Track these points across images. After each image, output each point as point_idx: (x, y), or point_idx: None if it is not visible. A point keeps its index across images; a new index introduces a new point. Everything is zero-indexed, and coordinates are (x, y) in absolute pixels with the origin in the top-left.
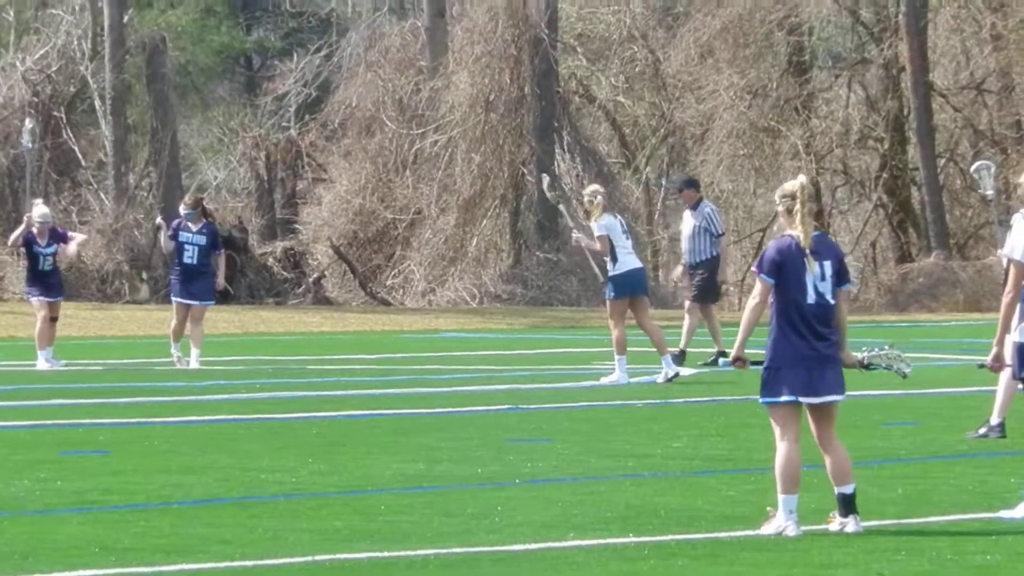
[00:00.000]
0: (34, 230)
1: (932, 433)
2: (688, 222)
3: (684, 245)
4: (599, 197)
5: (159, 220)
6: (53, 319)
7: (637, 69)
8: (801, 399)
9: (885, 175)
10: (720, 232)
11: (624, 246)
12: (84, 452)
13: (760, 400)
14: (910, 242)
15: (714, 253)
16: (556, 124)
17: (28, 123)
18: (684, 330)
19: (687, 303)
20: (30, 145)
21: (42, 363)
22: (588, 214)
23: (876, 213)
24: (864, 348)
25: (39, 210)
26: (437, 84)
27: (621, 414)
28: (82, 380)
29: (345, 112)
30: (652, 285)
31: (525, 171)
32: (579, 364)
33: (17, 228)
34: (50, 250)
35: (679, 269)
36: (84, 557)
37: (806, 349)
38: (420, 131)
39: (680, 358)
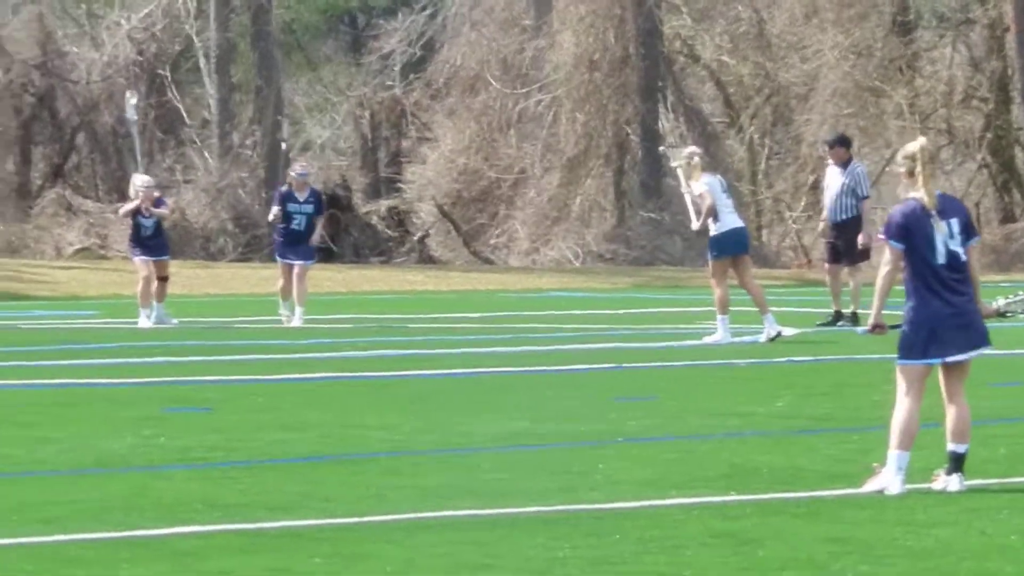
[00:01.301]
0: (144, 205)
1: None
2: (835, 179)
3: (827, 203)
4: (696, 158)
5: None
6: (163, 278)
7: (741, 29)
8: (947, 359)
9: (989, 135)
10: (866, 195)
11: (725, 206)
12: (188, 409)
13: (899, 361)
14: (1014, 202)
15: (856, 214)
16: (660, 84)
17: (130, 95)
18: (851, 292)
19: (826, 266)
20: (134, 117)
21: (143, 321)
22: (687, 176)
23: (980, 173)
24: (997, 297)
25: (142, 179)
26: (541, 43)
27: (724, 373)
28: (186, 337)
29: (449, 71)
30: (754, 244)
31: (629, 130)
32: (682, 323)
33: (129, 203)
34: (153, 219)
35: (823, 225)
36: (187, 513)
37: (945, 308)
38: (524, 90)
39: (853, 319)
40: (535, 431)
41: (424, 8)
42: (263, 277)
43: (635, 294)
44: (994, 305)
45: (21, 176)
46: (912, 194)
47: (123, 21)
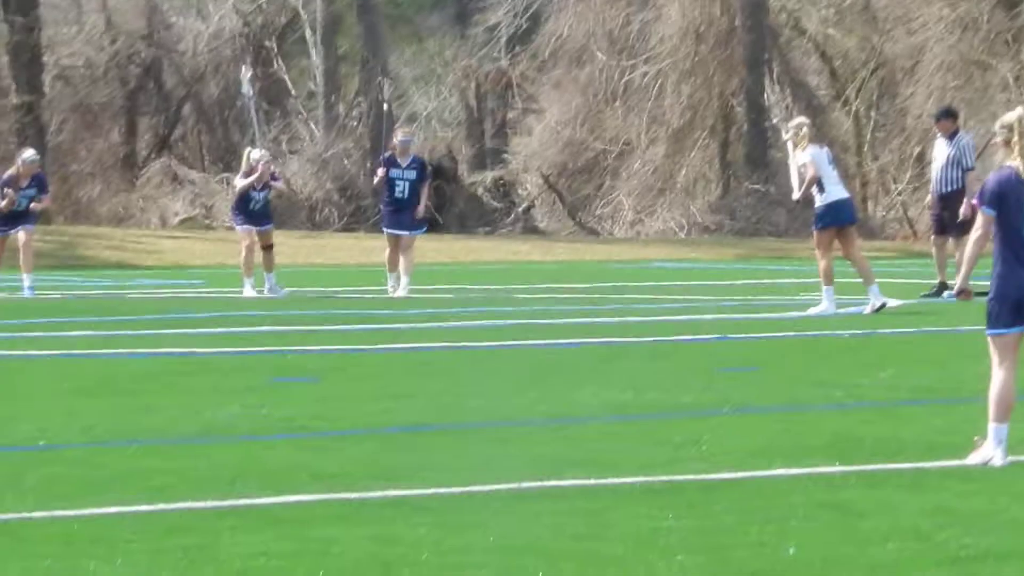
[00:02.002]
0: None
1: None
2: (942, 151)
3: (934, 175)
4: (804, 129)
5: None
6: (267, 247)
7: (847, 2)
8: None
9: None
10: (971, 166)
11: (831, 177)
12: (293, 379)
13: (987, 331)
14: None
15: (962, 185)
16: (766, 56)
17: (246, 70)
18: (957, 263)
19: (933, 237)
20: (250, 92)
21: (248, 290)
22: (795, 146)
23: None
24: None
25: (259, 154)
26: (647, 15)
27: (828, 344)
28: (292, 307)
29: (555, 43)
30: (860, 216)
31: (734, 103)
32: (787, 295)
33: (249, 176)
34: (264, 194)
35: (929, 198)
36: (292, 482)
37: None
38: (630, 62)
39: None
40: (640, 401)
41: None
42: (368, 247)
43: (740, 265)
44: None
45: (127, 147)
46: (1008, 163)
47: None
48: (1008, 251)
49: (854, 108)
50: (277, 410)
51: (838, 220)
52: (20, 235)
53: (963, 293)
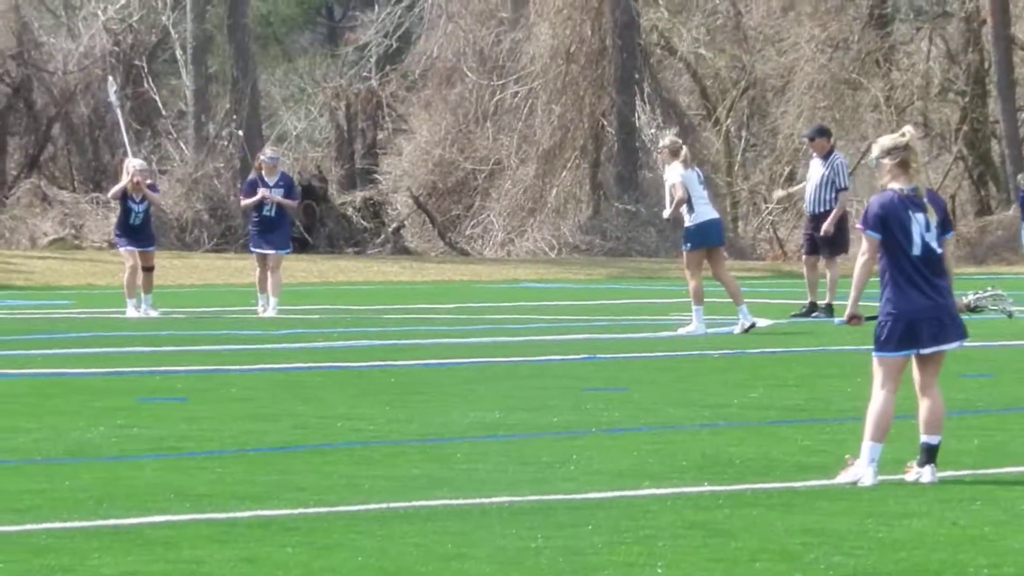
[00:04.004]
0: (132, 182)
1: (1009, 385)
2: (816, 171)
3: (807, 194)
4: (672, 146)
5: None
6: (148, 269)
7: (719, 22)
8: (921, 351)
9: (965, 128)
10: (845, 186)
11: (701, 197)
12: (161, 399)
13: (876, 353)
14: (990, 195)
15: (835, 206)
16: (637, 76)
17: (111, 81)
18: (828, 284)
19: (804, 256)
20: (116, 101)
21: (131, 311)
22: (664, 164)
23: (956, 166)
24: (969, 292)
25: (137, 163)
26: (518, 35)
27: (698, 364)
28: (160, 328)
29: (426, 63)
30: (730, 236)
31: (605, 122)
32: (657, 314)
33: (118, 183)
34: (143, 206)
35: (780, 192)
36: (160, 503)
37: (921, 300)
38: (501, 82)
39: (829, 311)
40: (508, 421)
41: (400, 0)
42: (238, 268)
43: (610, 285)
44: (965, 300)
45: None
46: (892, 185)
47: (99, 12)
48: (896, 273)
49: (725, 128)
50: (145, 430)
51: (707, 241)
52: None
53: (854, 319)
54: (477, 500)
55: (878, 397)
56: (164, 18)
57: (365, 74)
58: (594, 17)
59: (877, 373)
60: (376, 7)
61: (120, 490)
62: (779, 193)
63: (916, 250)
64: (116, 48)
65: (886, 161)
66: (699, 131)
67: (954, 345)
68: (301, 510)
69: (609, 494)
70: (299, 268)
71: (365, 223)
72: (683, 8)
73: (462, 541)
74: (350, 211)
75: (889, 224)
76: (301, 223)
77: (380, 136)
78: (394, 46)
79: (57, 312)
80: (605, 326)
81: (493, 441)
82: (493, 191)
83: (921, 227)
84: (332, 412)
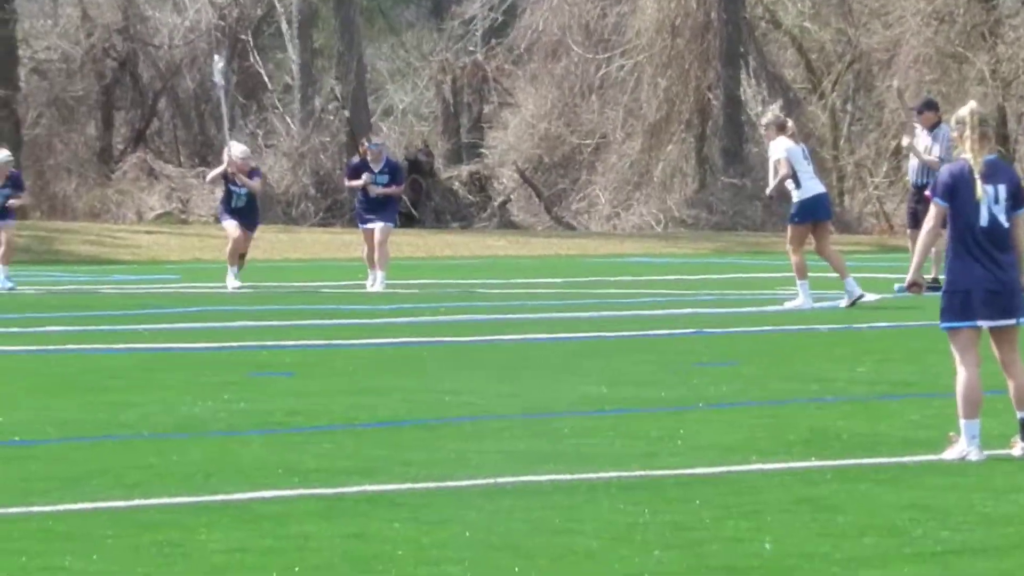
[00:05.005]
0: (230, 169)
1: None
2: (922, 144)
3: (912, 166)
4: (777, 121)
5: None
6: (241, 255)
7: None
8: (981, 323)
9: None
10: (943, 158)
11: (806, 171)
12: (269, 374)
13: (940, 325)
14: None
15: None
16: (742, 49)
17: (218, 60)
18: (933, 257)
19: (908, 231)
20: (221, 81)
21: (232, 281)
22: (768, 139)
23: None
24: None
25: (238, 148)
26: (623, 8)
27: (805, 338)
28: (268, 302)
29: (531, 37)
30: (836, 210)
31: (711, 96)
32: (764, 289)
33: (217, 168)
34: (244, 189)
35: (907, 140)
36: (268, 478)
37: (983, 272)
38: (606, 55)
39: (935, 284)
40: (616, 396)
41: None
42: (345, 242)
43: (716, 259)
44: None
45: (103, 141)
46: (964, 155)
47: None
48: (960, 244)
49: (830, 102)
50: (254, 405)
51: (814, 216)
52: (1, 234)
53: (914, 286)
54: (584, 475)
55: (960, 374)
56: None
57: (471, 48)
58: None
59: (953, 349)
60: None
61: (228, 465)
62: (906, 140)
63: (983, 221)
64: (222, 22)
65: (953, 132)
66: (804, 105)
67: (1010, 321)
68: (409, 484)
69: (717, 469)
70: (405, 242)
71: (471, 197)
72: None
73: (570, 516)
74: (456, 185)
75: (957, 193)
76: (408, 198)
77: (486, 110)
78: (499, 19)
79: (165, 287)
80: (712, 300)
81: (600, 416)
82: (599, 165)
83: (990, 199)
84: (439, 387)
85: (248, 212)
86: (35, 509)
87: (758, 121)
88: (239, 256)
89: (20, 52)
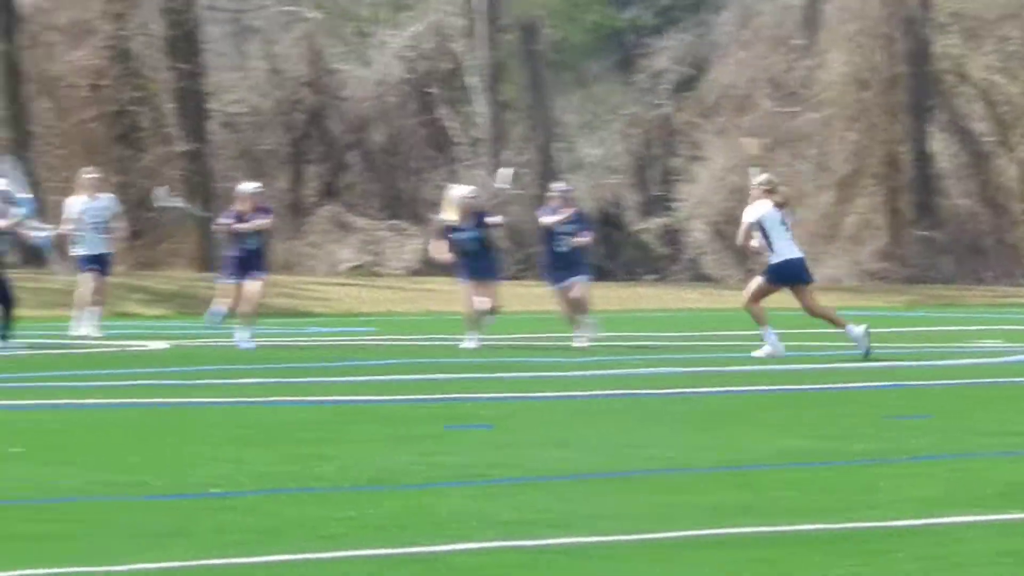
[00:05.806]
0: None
1: None
2: None
3: None
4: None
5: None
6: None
7: (1012, 48)
8: None
9: None
10: None
11: (782, 236)
12: (467, 426)
13: None
14: None
15: None
16: (929, 103)
17: (503, 170)
18: None
19: None
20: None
21: (469, 342)
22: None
23: None
24: None
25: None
26: (810, 62)
27: (1001, 391)
28: (462, 355)
29: (719, 90)
30: None
31: (900, 149)
32: (958, 342)
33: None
34: (474, 234)
35: None
36: (464, 530)
37: None
38: (794, 109)
39: None
40: (813, 448)
41: (692, 27)
42: (537, 295)
43: (909, 312)
44: None
45: (294, 193)
46: None
47: (391, 39)
48: None
49: (1019, 154)
50: (451, 458)
51: (785, 280)
52: (252, 285)
53: None
54: (784, 527)
55: None
56: (456, 45)
57: (658, 101)
58: (886, 44)
59: None
60: (667, 34)
61: (423, 518)
62: None
63: None
64: (409, 76)
65: None
66: (992, 158)
67: None
68: (607, 537)
69: (917, 521)
70: (598, 295)
71: (662, 250)
72: (974, 35)
73: (770, 570)
74: (647, 238)
75: None
76: (599, 251)
77: (675, 163)
78: (687, 73)
79: (360, 339)
80: (906, 353)
81: (796, 468)
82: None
83: None
84: (636, 440)
85: (481, 260)
86: (233, 561)
87: (947, 174)
88: (481, 313)
89: (209, 105)
